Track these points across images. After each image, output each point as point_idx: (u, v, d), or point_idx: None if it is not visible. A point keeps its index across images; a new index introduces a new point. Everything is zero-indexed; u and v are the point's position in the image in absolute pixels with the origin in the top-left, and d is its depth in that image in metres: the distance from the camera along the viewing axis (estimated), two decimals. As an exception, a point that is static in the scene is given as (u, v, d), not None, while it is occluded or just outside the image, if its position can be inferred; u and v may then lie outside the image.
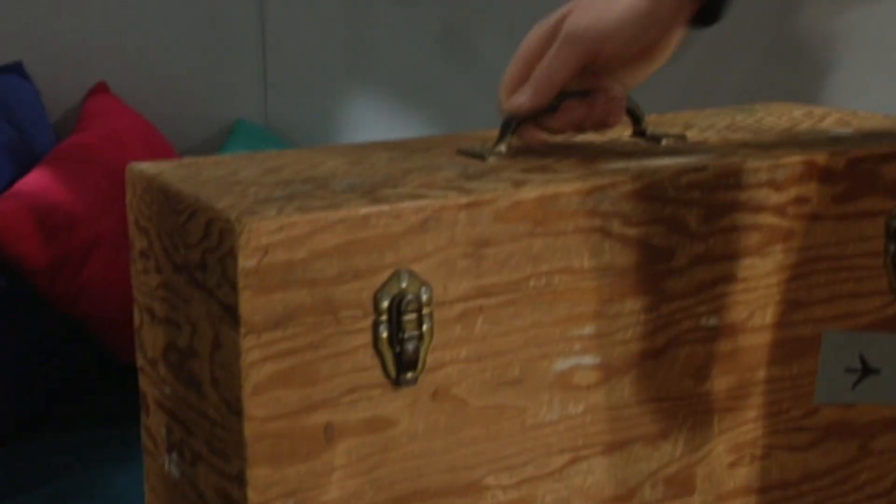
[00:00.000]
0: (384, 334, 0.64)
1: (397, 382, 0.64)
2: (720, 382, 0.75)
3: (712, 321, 0.74)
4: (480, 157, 0.76)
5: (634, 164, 0.73)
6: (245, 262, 0.61)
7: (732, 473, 0.77)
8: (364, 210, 0.64)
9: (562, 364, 0.70)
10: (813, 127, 0.86)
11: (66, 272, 1.08)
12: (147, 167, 0.77)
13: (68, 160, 1.18)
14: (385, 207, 0.64)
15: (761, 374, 0.77)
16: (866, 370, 0.80)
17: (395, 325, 0.64)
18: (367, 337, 0.64)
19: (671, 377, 0.73)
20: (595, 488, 0.72)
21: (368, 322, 0.64)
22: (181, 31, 1.37)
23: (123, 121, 1.32)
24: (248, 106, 1.41)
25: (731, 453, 0.76)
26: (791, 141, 0.81)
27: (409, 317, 0.64)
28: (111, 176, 1.20)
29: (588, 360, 0.70)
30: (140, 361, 0.78)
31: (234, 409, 0.63)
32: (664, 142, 0.80)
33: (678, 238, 0.72)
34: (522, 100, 0.73)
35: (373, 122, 1.40)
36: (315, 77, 1.42)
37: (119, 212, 1.17)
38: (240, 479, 0.63)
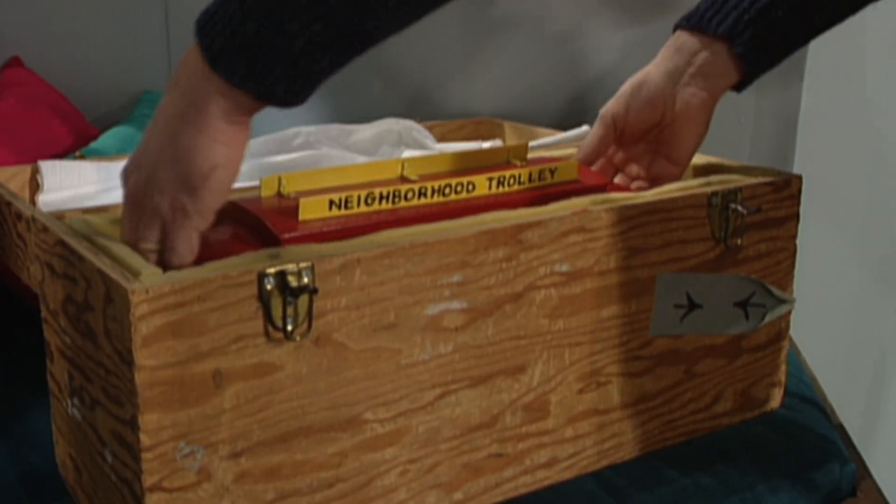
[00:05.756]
0: (269, 286, 0.56)
1: (284, 334, 0.57)
2: (571, 321, 0.69)
3: (564, 267, 0.68)
4: None
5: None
6: (131, 221, 0.52)
7: (581, 398, 0.71)
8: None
9: (433, 309, 0.63)
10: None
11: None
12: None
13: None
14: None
15: (605, 312, 0.71)
16: (692, 305, 0.75)
17: (280, 277, 0.56)
18: (252, 289, 0.56)
19: (529, 317, 0.67)
20: (462, 418, 0.66)
21: (253, 275, 0.56)
22: (91, 10, 1.24)
23: (37, 91, 1.18)
24: (154, 78, 1.29)
25: (580, 381, 0.71)
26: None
27: (292, 269, 0.56)
28: (25, 139, 1.07)
29: (456, 304, 0.64)
30: (44, 312, 0.68)
31: (126, 360, 0.54)
32: None
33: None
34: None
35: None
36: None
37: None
38: (133, 424, 0.54)
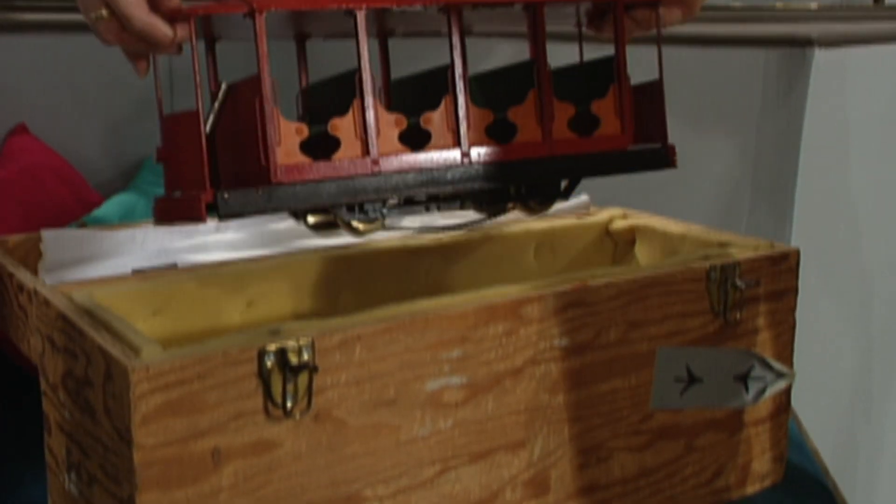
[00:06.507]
0: (269, 363, 0.56)
1: (284, 411, 0.57)
2: (571, 395, 0.69)
3: (564, 341, 0.68)
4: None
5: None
6: (134, 299, 0.52)
7: (581, 473, 0.71)
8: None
9: (433, 384, 0.63)
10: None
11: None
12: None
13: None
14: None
15: (605, 385, 0.71)
16: (692, 379, 0.75)
17: (280, 354, 0.56)
18: (252, 367, 0.56)
19: (529, 392, 0.67)
20: (462, 494, 0.65)
21: (253, 352, 0.56)
22: (94, 77, 1.26)
23: (41, 158, 1.20)
24: (156, 145, 1.31)
25: (580, 456, 0.71)
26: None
27: (292, 346, 0.57)
28: (29, 207, 1.08)
29: (456, 380, 0.64)
30: (43, 385, 0.68)
31: (125, 438, 0.54)
32: None
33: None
34: None
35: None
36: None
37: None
38: (130, 503, 0.54)
